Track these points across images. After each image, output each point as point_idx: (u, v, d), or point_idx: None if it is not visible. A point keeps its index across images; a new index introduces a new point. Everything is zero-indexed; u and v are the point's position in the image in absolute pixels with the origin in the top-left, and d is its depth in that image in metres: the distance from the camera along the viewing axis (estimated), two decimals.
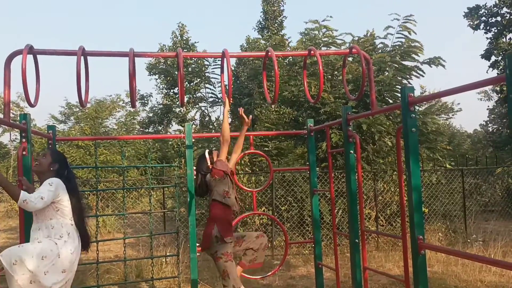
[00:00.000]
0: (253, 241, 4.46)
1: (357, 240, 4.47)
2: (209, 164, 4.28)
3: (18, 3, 67.26)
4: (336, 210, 8.91)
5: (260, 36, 20.79)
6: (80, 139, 15.10)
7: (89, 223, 12.56)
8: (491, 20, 20.28)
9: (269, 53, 4.04)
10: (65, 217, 3.65)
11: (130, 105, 25.30)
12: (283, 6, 22.11)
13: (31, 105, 3.68)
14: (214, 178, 4.17)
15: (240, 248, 4.43)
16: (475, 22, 20.48)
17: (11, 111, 3.73)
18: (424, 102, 11.45)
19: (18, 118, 4.43)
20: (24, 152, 3.98)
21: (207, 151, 4.41)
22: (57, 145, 5.14)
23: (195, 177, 4.50)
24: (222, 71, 4.46)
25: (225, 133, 4.15)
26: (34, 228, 3.63)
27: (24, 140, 4.05)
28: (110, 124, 22.40)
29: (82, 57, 3.61)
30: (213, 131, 13.91)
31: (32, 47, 3.58)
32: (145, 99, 22.78)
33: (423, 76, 10.42)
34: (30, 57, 3.61)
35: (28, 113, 4.15)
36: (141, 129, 22.20)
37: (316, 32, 10.91)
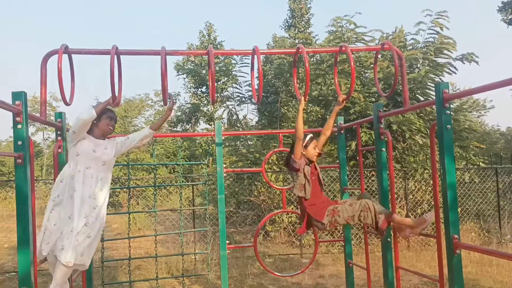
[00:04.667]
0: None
1: (389, 239, 4.40)
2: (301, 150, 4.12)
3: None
4: None
5: (287, 35, 20.71)
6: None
7: (120, 221, 12.78)
8: None
9: (300, 50, 4.01)
10: None
11: (159, 104, 25.65)
12: (310, 3, 21.96)
13: (67, 104, 3.75)
14: (293, 172, 4.15)
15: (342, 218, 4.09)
16: (509, 17, 19.85)
17: None
18: (456, 99, 11.19)
19: (52, 117, 4.55)
20: (59, 150, 4.07)
21: (310, 135, 4.26)
22: None
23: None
24: (252, 68, 4.46)
25: (298, 132, 4.08)
26: (96, 181, 3.71)
27: (59, 138, 4.15)
28: (139, 123, 22.76)
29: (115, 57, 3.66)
30: (241, 129, 13.96)
31: (67, 46, 3.65)
32: (173, 98, 23.02)
33: (455, 73, 10.18)
34: (65, 57, 3.68)
35: (63, 112, 4.25)
36: (169, 128, 22.47)
37: (346, 24, 10.73)
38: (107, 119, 3.90)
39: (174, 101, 3.89)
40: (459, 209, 9.60)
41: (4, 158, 26.75)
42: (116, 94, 3.72)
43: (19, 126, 3.05)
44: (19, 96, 3.07)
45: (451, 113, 3.42)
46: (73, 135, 3.69)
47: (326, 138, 4.39)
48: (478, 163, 11.02)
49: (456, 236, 3.25)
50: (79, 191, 3.58)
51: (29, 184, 3.06)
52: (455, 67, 10.06)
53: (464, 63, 10.02)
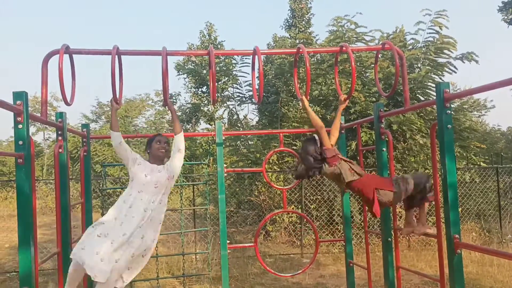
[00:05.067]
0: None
1: (389, 239, 4.41)
2: (318, 145, 4.01)
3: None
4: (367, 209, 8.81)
5: (288, 35, 20.70)
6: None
7: None
8: None
9: (300, 50, 4.01)
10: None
11: (159, 105, 25.67)
12: (310, 3, 21.95)
13: (67, 104, 3.75)
14: (333, 166, 4.05)
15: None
16: (510, 16, 19.82)
17: None
18: (456, 99, 11.18)
19: (52, 117, 4.55)
20: (60, 150, 4.06)
21: (315, 135, 4.17)
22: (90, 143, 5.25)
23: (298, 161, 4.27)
24: (253, 68, 4.47)
25: (316, 123, 4.00)
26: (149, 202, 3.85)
27: (60, 138, 4.15)
28: (139, 123, 22.76)
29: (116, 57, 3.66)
30: (241, 129, 13.96)
31: (68, 46, 3.65)
32: (174, 98, 23.06)
33: (455, 73, 10.18)
34: (66, 57, 3.68)
35: (64, 112, 4.25)
36: (169, 128, 22.47)
37: (347, 24, 10.72)
38: (156, 144, 4.05)
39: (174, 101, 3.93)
40: (459, 209, 9.63)
41: (5, 158, 26.78)
42: (117, 94, 3.73)
43: (20, 126, 3.06)
44: (20, 96, 3.08)
45: (452, 112, 3.43)
46: (123, 162, 4.01)
47: (335, 139, 4.34)
48: (478, 163, 11.02)
49: (456, 236, 3.25)
50: (123, 212, 3.72)
51: (30, 184, 3.07)
52: (455, 67, 10.07)
53: (464, 63, 10.03)
